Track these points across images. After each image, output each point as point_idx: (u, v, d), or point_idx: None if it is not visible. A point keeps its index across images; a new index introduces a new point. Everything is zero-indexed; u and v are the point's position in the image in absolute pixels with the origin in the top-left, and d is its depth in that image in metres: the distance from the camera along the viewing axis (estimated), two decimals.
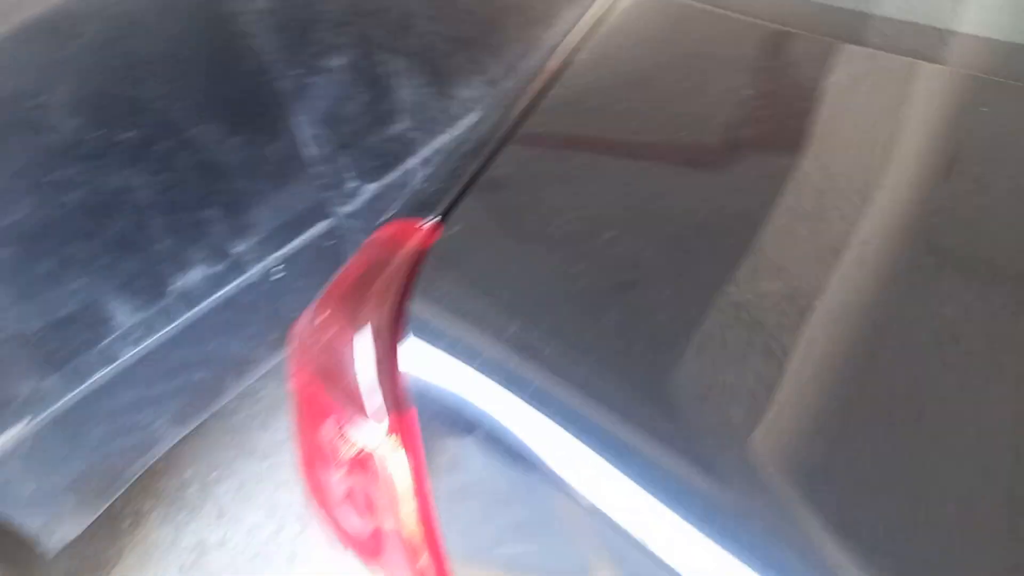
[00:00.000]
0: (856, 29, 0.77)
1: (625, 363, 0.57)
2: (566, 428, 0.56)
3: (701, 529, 0.49)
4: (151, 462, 1.63)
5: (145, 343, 1.50)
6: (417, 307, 0.65)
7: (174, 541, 1.89)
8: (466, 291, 0.65)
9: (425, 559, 0.68)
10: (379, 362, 0.65)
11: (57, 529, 1.50)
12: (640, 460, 0.53)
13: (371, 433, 0.67)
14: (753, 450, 0.50)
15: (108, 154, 1.35)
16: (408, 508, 0.67)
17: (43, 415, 1.40)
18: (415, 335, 0.64)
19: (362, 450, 0.68)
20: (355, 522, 0.75)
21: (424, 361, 0.64)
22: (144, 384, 1.53)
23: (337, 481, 0.74)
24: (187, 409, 1.64)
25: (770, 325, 0.55)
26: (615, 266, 0.62)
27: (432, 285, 0.65)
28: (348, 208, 1.78)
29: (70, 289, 1.37)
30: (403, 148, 1.85)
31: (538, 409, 0.58)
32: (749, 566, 0.46)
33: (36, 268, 1.34)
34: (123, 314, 1.46)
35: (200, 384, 1.64)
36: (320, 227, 1.73)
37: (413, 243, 0.69)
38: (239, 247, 1.59)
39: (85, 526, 1.54)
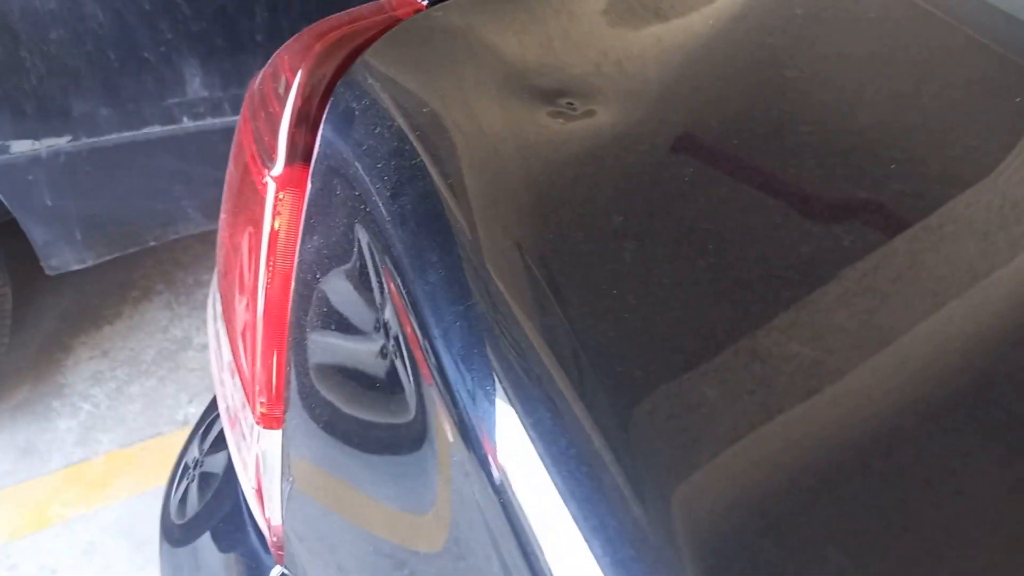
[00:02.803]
0: None
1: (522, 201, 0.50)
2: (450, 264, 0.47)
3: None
4: (169, 237, 1.66)
5: (206, 120, 1.52)
6: (358, 66, 0.60)
7: (166, 327, 1.93)
8: (409, 69, 0.59)
9: (260, 329, 0.63)
10: (299, 108, 0.61)
11: (57, 253, 1.55)
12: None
13: (269, 177, 0.62)
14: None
15: None
16: (272, 269, 0.63)
17: (87, 140, 1.44)
18: (342, 90, 0.59)
19: (257, 193, 0.64)
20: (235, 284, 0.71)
21: (343, 118, 0.59)
22: (190, 159, 1.56)
23: (237, 230, 0.70)
24: (217, 205, 1.66)
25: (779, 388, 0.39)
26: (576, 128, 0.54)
27: (384, 52, 0.60)
28: None
29: (162, 37, 1.40)
30: None
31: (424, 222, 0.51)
32: None
33: (143, 3, 1.37)
34: (197, 84, 1.48)
35: None
36: None
37: (398, 13, 0.64)
38: None
39: (86, 263, 1.59)
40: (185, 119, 1.51)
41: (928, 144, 0.51)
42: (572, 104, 0.53)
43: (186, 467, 1.11)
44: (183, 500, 1.07)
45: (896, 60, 0.58)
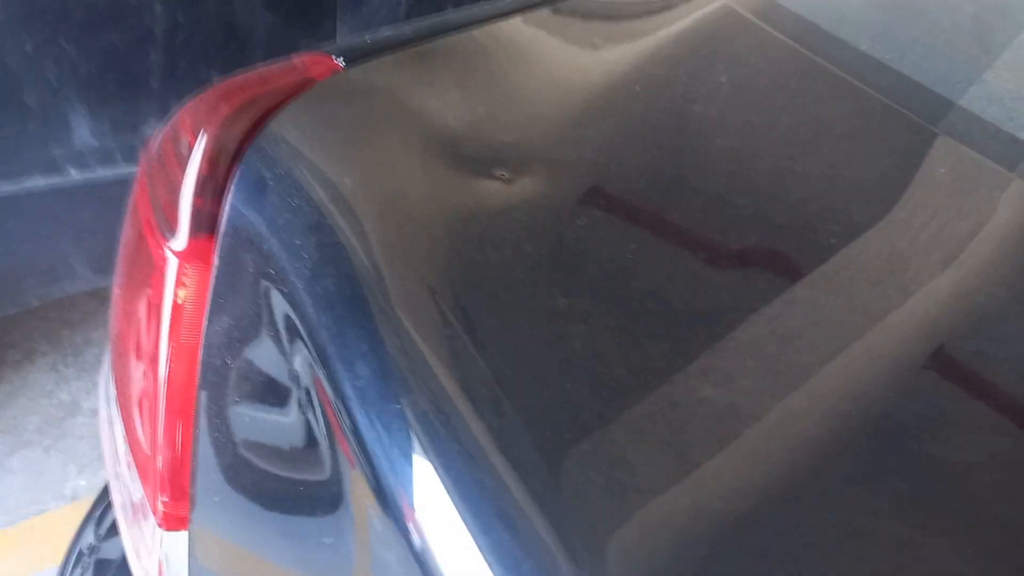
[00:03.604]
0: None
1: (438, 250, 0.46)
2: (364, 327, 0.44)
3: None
4: (55, 296, 1.54)
5: (94, 172, 1.42)
6: (269, 130, 0.55)
7: (51, 392, 1.78)
8: (327, 135, 0.54)
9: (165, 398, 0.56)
10: (204, 175, 0.55)
11: None
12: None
13: (169, 250, 0.56)
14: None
15: None
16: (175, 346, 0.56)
17: None
18: (253, 157, 0.54)
19: (155, 266, 0.58)
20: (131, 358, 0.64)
21: (254, 188, 0.54)
22: (77, 212, 1.45)
23: (134, 305, 0.64)
24: (109, 260, 1.55)
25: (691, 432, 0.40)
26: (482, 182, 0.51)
27: (299, 115, 0.56)
28: None
29: (45, 81, 1.30)
30: None
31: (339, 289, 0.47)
32: None
33: (23, 41, 1.27)
34: (85, 133, 1.38)
35: None
36: None
37: (311, 73, 0.60)
38: None
39: None
40: (70, 171, 1.41)
41: (832, 203, 0.53)
42: (505, 176, 0.50)
43: (80, 554, 1.02)
44: None
45: (817, 132, 0.58)
